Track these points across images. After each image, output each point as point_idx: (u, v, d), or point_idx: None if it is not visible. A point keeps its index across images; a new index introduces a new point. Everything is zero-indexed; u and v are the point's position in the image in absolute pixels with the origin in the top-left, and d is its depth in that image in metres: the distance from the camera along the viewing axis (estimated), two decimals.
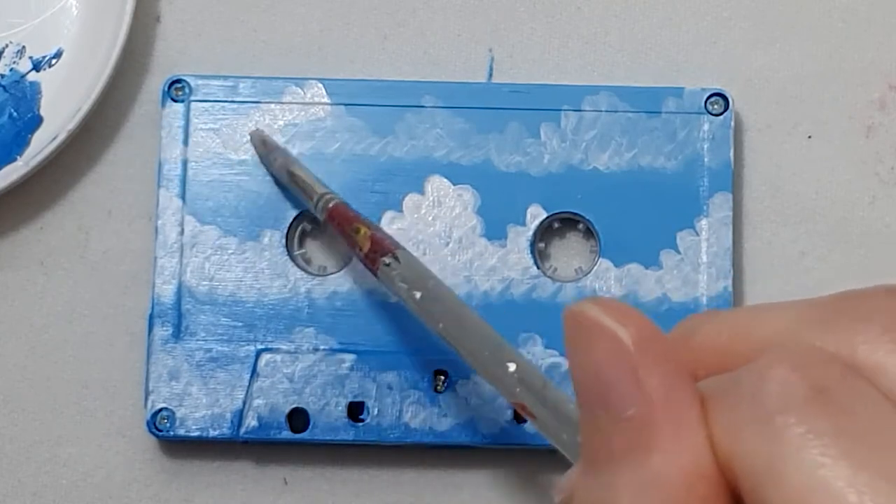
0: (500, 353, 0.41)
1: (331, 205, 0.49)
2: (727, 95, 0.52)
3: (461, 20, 0.54)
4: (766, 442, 0.25)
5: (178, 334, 0.51)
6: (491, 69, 0.54)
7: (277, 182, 0.52)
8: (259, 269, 0.52)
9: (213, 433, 0.51)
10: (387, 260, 0.46)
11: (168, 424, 0.51)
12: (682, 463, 0.26)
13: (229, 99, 0.53)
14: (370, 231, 0.47)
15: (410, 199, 0.52)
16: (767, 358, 0.26)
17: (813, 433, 0.25)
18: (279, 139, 0.52)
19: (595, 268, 0.52)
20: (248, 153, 0.52)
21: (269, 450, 0.52)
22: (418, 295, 0.44)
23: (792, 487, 0.25)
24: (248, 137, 0.52)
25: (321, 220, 0.50)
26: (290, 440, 0.51)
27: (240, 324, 0.51)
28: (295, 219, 0.52)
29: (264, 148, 0.52)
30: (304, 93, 0.53)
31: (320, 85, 0.53)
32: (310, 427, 0.51)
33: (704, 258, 0.51)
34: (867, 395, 0.26)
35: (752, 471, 0.25)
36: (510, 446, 0.51)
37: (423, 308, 0.44)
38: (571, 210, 0.52)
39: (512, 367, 0.40)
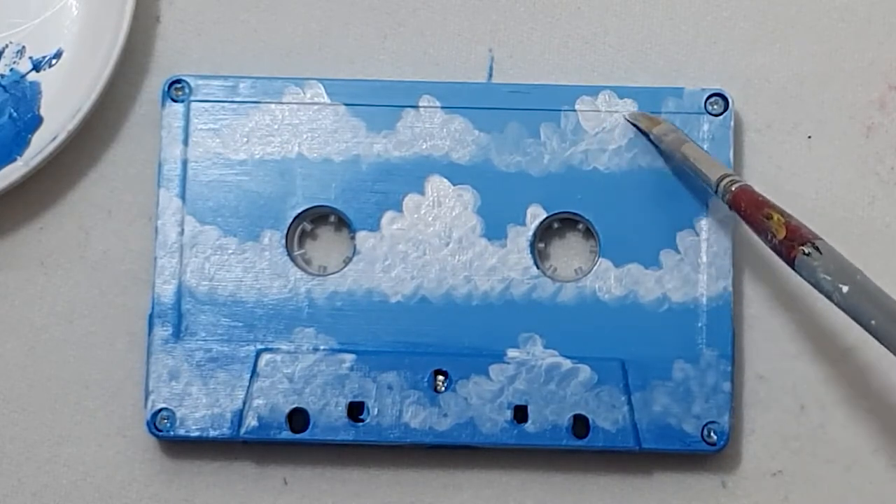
0: None
1: (734, 187, 0.47)
2: (727, 95, 0.52)
3: (461, 20, 0.54)
4: None
5: (178, 334, 0.51)
6: (491, 69, 0.54)
7: (664, 156, 0.52)
8: (259, 269, 0.52)
9: (213, 433, 0.51)
10: (806, 249, 0.44)
11: (168, 424, 0.51)
12: None
13: (229, 99, 0.53)
14: (784, 218, 0.45)
15: (410, 199, 0.52)
16: None
17: None
18: (279, 139, 0.52)
19: (595, 268, 0.52)
20: (248, 153, 0.52)
21: (269, 450, 0.52)
22: (845, 289, 0.42)
23: None
24: (628, 116, 0.52)
25: (724, 203, 0.48)
26: (290, 440, 0.51)
27: (240, 324, 0.51)
28: (295, 219, 0.52)
29: (651, 124, 0.51)
30: (304, 93, 0.53)
31: (320, 85, 0.53)
32: (310, 427, 0.51)
33: (704, 258, 0.51)
34: None
35: None
36: (510, 446, 0.51)
37: (851, 303, 0.42)
38: (571, 210, 0.52)
39: None
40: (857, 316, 0.42)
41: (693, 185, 0.51)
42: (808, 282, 0.44)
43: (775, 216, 0.45)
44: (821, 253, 0.44)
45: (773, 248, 0.45)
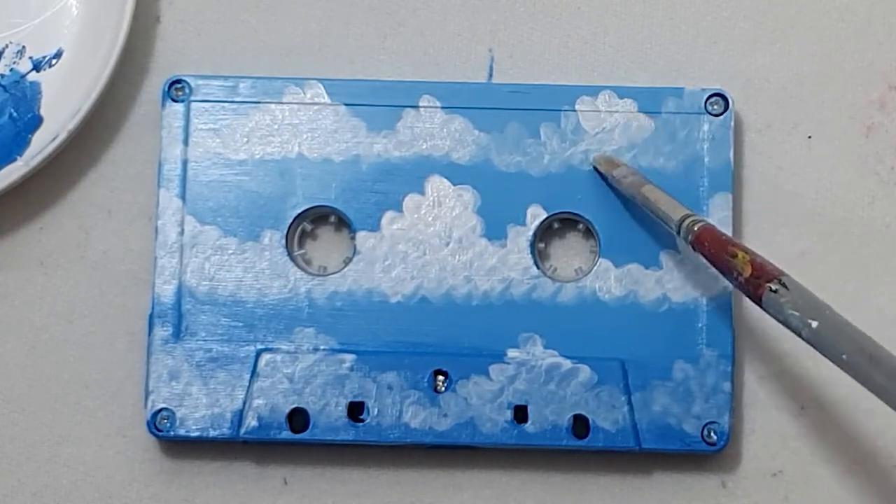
0: None
1: (697, 227, 0.47)
2: (727, 95, 0.52)
3: (461, 20, 0.54)
4: None
5: (178, 334, 0.51)
6: (491, 69, 0.54)
7: (623, 197, 0.51)
8: (259, 269, 0.52)
9: (213, 433, 0.51)
10: (773, 286, 0.42)
11: (168, 424, 0.51)
12: None
13: (229, 99, 0.53)
14: (749, 255, 0.44)
15: (410, 199, 0.52)
16: None
17: None
18: (279, 139, 0.52)
19: (595, 268, 0.52)
20: (248, 153, 0.52)
21: (269, 450, 0.52)
22: (815, 324, 0.41)
23: None
24: (593, 161, 0.51)
25: (687, 243, 0.47)
26: (290, 440, 0.51)
27: (240, 324, 0.51)
28: (295, 219, 0.52)
29: (610, 166, 0.51)
30: (304, 93, 0.53)
31: (320, 85, 0.53)
32: (310, 427, 0.51)
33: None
34: None
35: None
36: (510, 446, 0.51)
37: (821, 339, 0.41)
38: (571, 210, 0.52)
39: None
40: (827, 351, 0.41)
41: (693, 185, 0.51)
42: (776, 319, 0.43)
43: (740, 254, 0.44)
44: (788, 289, 0.43)
45: (740, 288, 0.44)
